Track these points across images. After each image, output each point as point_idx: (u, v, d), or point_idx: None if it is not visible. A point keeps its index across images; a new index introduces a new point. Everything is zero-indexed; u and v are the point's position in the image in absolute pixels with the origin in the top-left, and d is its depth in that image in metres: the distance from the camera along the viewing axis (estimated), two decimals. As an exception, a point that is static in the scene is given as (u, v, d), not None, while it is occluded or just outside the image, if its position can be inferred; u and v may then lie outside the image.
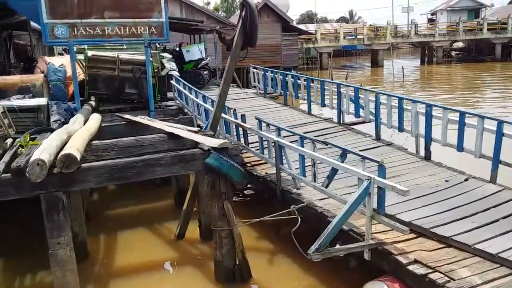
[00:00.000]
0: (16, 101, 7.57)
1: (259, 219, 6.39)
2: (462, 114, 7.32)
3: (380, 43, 47.34)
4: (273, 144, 7.09)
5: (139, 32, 9.98)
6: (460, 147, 7.44)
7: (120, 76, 10.46)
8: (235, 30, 7.75)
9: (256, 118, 7.84)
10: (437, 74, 40.26)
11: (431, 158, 8.02)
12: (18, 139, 6.33)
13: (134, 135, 7.75)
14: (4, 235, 7.76)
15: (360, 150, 8.77)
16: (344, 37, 49.08)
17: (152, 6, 10.05)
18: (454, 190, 6.49)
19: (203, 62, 18.05)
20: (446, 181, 6.91)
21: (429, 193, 6.43)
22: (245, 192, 7.86)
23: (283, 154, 6.98)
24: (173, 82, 12.55)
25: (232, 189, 6.24)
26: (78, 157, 5.29)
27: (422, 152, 8.19)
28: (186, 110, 11.05)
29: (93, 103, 10.46)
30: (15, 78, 9.58)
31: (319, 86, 11.39)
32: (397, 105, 8.71)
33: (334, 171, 5.99)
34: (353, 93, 9.89)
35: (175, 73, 16.33)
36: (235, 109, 8.56)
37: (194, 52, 18.01)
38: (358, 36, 49.12)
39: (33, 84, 9.52)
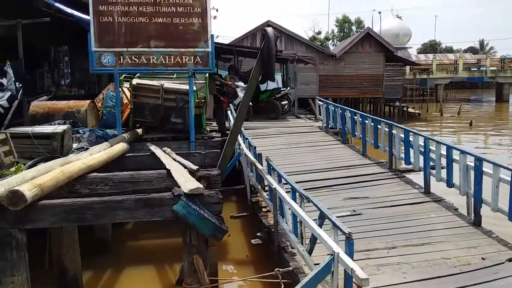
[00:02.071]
0: (35, 128, 7.69)
1: (242, 279, 5.52)
2: (515, 174, 5.68)
3: (506, 76, 42.50)
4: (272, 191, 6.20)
5: (183, 62, 9.79)
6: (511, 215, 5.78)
7: (165, 105, 10.35)
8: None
9: (266, 160, 6.99)
10: None
11: (481, 224, 6.39)
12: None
13: (156, 167, 7.43)
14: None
15: (404, 204, 7.48)
16: (469, 68, 45.25)
17: (199, 36, 9.82)
18: (484, 274, 4.95)
19: (282, 92, 17.50)
20: (483, 259, 5.35)
21: (450, 274, 4.98)
22: (252, 241, 6.98)
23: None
24: (229, 112, 12.18)
25: (205, 242, 5.47)
26: (29, 194, 4.95)
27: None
28: (234, 143, 10.52)
29: (139, 131, 10.48)
30: (63, 104, 9.91)
31: (373, 124, 10.05)
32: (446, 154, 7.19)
33: (314, 236, 4.92)
34: (404, 136, 8.47)
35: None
36: (255, 147, 7.78)
37: (270, 81, 17.52)
38: (482, 68, 44.86)
39: (77, 110, 9.77)
